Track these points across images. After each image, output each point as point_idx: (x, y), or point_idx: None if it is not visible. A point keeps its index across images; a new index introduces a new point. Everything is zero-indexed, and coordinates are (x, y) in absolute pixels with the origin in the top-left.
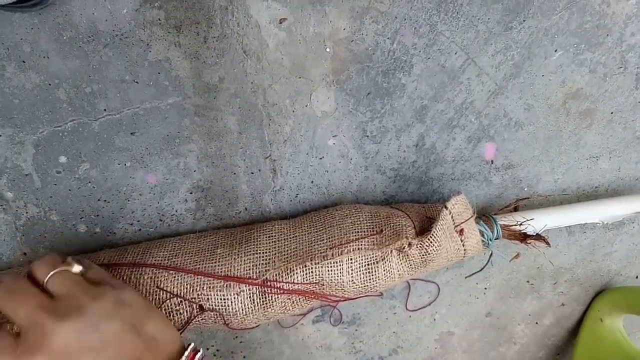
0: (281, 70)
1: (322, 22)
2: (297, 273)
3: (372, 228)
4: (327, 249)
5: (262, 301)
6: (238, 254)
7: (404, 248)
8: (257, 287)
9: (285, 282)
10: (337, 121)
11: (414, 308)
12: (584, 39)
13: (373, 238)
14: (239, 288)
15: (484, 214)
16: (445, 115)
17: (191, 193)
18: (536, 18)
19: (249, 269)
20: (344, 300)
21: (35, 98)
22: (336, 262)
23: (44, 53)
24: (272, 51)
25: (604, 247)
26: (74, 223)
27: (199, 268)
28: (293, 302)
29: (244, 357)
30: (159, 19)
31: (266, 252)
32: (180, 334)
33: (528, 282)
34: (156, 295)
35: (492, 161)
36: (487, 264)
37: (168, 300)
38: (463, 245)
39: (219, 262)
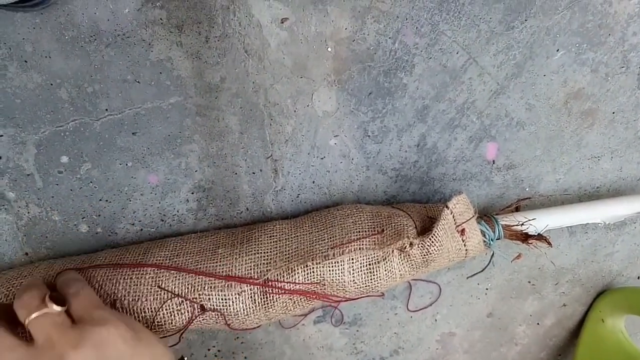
0: (283, 70)
1: (323, 21)
2: (298, 273)
3: (374, 228)
4: (328, 248)
5: (264, 301)
6: (239, 254)
7: (405, 248)
8: (259, 287)
9: (287, 282)
10: (339, 121)
11: (415, 308)
12: (586, 39)
13: (374, 238)
14: (241, 288)
15: (486, 214)
16: (446, 115)
17: (192, 193)
18: (538, 17)
19: (250, 269)
20: (345, 301)
21: (37, 98)
22: (337, 262)
23: (46, 53)
24: (274, 51)
25: (606, 247)
26: (76, 223)
27: (200, 268)
28: (294, 302)
29: (245, 357)
30: (161, 19)
31: (267, 252)
32: (182, 334)
33: (529, 282)
34: (157, 295)
35: (493, 161)
36: (488, 264)
37: (169, 300)
38: (464, 245)
39: (220, 262)
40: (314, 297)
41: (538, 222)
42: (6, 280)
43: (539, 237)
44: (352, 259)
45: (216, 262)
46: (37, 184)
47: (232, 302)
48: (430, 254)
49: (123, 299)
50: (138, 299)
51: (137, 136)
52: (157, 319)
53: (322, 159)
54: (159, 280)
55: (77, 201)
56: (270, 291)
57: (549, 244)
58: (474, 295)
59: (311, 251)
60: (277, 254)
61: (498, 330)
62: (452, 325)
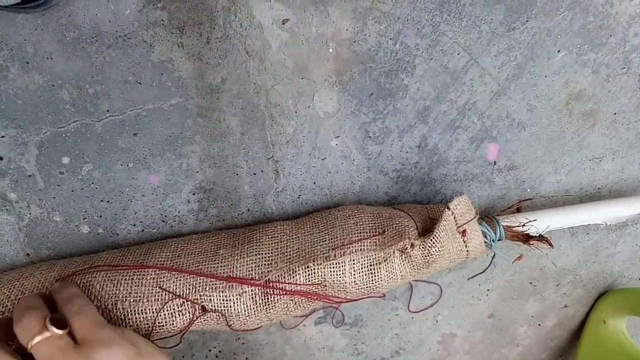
0: (284, 71)
1: (324, 22)
2: (299, 274)
3: (375, 229)
4: (329, 249)
5: (265, 302)
6: (240, 255)
7: (406, 249)
8: (260, 288)
9: (288, 283)
10: (340, 122)
11: (416, 309)
12: (587, 40)
13: (375, 239)
14: (242, 289)
15: (487, 215)
16: (447, 116)
17: (194, 194)
18: (539, 18)
19: (252, 270)
20: (346, 302)
21: (39, 99)
22: (338, 263)
23: (48, 54)
24: (275, 52)
25: (607, 248)
26: (77, 224)
27: (201, 269)
28: (295, 303)
29: (246, 358)
30: (162, 20)
31: (268, 253)
32: (183, 335)
33: (531, 283)
34: (159, 295)
35: (494, 162)
36: (489, 265)
37: (171, 301)
38: (466, 246)
39: (221, 262)
40: (315, 298)
41: (539, 223)
42: (7, 281)
43: (540, 238)
44: (353, 260)
45: (217, 263)
46: (39, 184)
47: (233, 303)
48: (432, 255)
49: (124, 299)
50: (139, 299)
51: (138, 137)
52: (158, 319)
53: (323, 159)
54: (160, 281)
55: (79, 202)
56: (272, 292)
57: (550, 245)
58: (475, 296)
59: (312, 252)
60: (278, 254)
61: (499, 331)
62: (453, 326)
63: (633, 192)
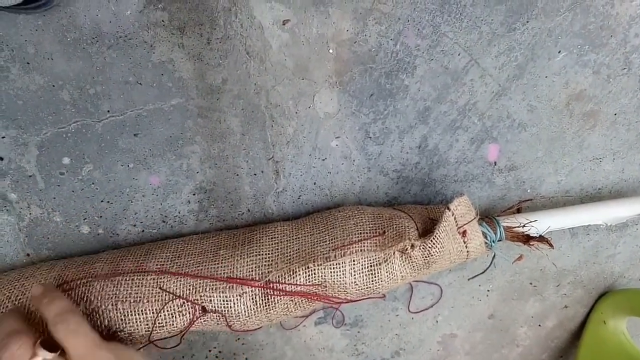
0: (284, 72)
1: (325, 23)
2: (299, 274)
3: (375, 229)
4: (329, 250)
5: (265, 303)
6: (241, 256)
7: (406, 249)
8: (260, 288)
9: (288, 284)
10: (340, 122)
11: (416, 310)
12: (588, 40)
13: (376, 239)
14: (242, 289)
15: (487, 216)
16: (448, 117)
17: (194, 194)
18: (540, 19)
19: (252, 271)
20: (346, 302)
21: (39, 99)
22: (339, 264)
23: (48, 54)
24: (275, 52)
25: (608, 249)
26: (77, 224)
27: (201, 269)
28: (295, 303)
29: (246, 358)
30: (163, 21)
31: (269, 254)
32: (183, 335)
33: (531, 284)
34: (159, 296)
35: (495, 163)
36: (490, 265)
37: (171, 302)
38: (466, 246)
39: (221, 263)
40: (315, 298)
41: (540, 223)
42: (8, 282)
43: (541, 238)
44: (354, 261)
45: (217, 264)
46: (39, 185)
47: (234, 303)
48: (432, 255)
49: (124, 300)
50: (140, 300)
51: (138, 137)
52: (158, 320)
53: (323, 160)
54: (160, 282)
55: (79, 202)
56: (272, 293)
57: (551, 245)
58: (476, 296)
59: (312, 253)
60: (278, 255)
61: (499, 332)
62: (453, 327)
63: (633, 192)
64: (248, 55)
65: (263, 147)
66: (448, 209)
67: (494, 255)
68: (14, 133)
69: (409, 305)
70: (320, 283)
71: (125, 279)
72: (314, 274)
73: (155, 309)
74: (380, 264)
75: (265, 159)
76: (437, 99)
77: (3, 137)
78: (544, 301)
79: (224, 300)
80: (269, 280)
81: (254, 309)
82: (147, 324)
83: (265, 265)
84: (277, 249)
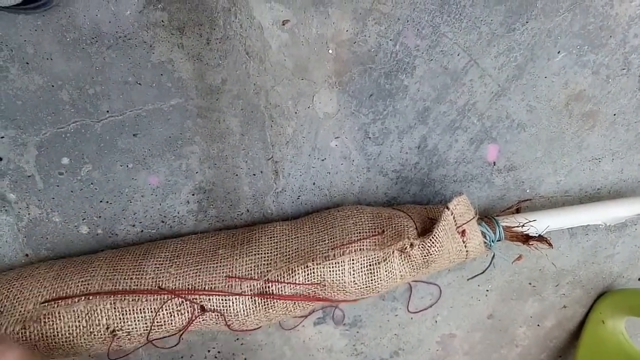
0: (284, 72)
1: (324, 23)
2: (298, 273)
3: (374, 229)
4: (328, 249)
5: (264, 302)
6: (240, 255)
7: (405, 248)
8: (259, 288)
9: (287, 283)
10: (340, 123)
11: (415, 310)
12: (587, 41)
13: (375, 239)
14: (241, 289)
15: (486, 216)
16: (447, 117)
17: (193, 195)
18: (539, 20)
19: (251, 269)
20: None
21: (39, 99)
22: (338, 263)
23: (48, 55)
24: (275, 53)
25: (606, 249)
26: (76, 224)
27: (200, 269)
28: (294, 303)
29: (245, 358)
30: (162, 21)
31: (268, 253)
32: (182, 335)
33: (530, 284)
34: (157, 295)
35: (494, 163)
36: (489, 265)
37: (169, 301)
38: (465, 246)
39: (220, 262)
40: (313, 300)
41: (539, 223)
42: (6, 281)
43: (540, 238)
44: (353, 260)
45: (216, 263)
46: (38, 185)
47: (232, 302)
48: (431, 254)
49: (123, 298)
50: (138, 299)
51: (138, 138)
52: (157, 319)
53: (322, 160)
54: (159, 281)
55: (78, 202)
56: (271, 294)
57: (550, 245)
58: (475, 296)
59: (311, 252)
60: (277, 254)
61: (498, 332)
62: (452, 327)
63: (632, 192)
64: (247, 55)
65: (262, 147)
66: (447, 208)
67: (493, 255)
68: (13, 133)
69: (408, 305)
70: (319, 282)
71: (124, 278)
72: (313, 272)
73: (154, 308)
74: (379, 263)
75: (265, 159)
76: (437, 99)
77: (2, 137)
78: (542, 301)
79: (223, 299)
80: (267, 279)
81: (252, 308)
82: (146, 323)
83: (264, 264)
84: (276, 248)
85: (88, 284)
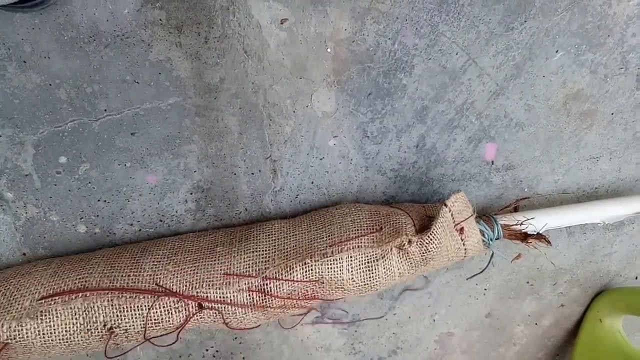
0: (282, 71)
1: (323, 22)
2: (296, 271)
3: (372, 226)
4: (326, 246)
5: (262, 299)
6: (237, 252)
7: (404, 245)
8: (257, 285)
9: (285, 280)
10: (338, 122)
11: (413, 309)
12: (585, 40)
13: (373, 236)
14: (239, 286)
15: (485, 214)
16: (446, 116)
17: (191, 194)
18: (537, 19)
19: (249, 267)
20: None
21: (36, 98)
22: (336, 260)
23: (45, 53)
24: (273, 51)
25: (604, 247)
26: (74, 223)
27: (198, 266)
28: (293, 301)
29: (244, 357)
30: (160, 19)
31: (266, 250)
32: (179, 332)
33: (528, 283)
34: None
35: (492, 162)
36: (488, 264)
37: (167, 298)
38: (463, 244)
39: (218, 260)
40: (312, 299)
41: (537, 222)
42: (3, 278)
43: (538, 236)
44: (351, 257)
45: (214, 260)
46: (35, 184)
47: (230, 300)
48: (429, 251)
49: (120, 296)
50: (135, 296)
51: (136, 137)
52: (154, 317)
53: (321, 159)
54: (156, 278)
55: (76, 201)
56: (269, 291)
57: (549, 242)
58: (473, 295)
59: (310, 249)
60: (275, 252)
61: (496, 331)
62: (450, 326)
63: (630, 191)
64: (246, 54)
65: (261, 146)
66: (445, 205)
67: (492, 254)
68: (10, 132)
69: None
70: (317, 279)
71: (122, 275)
72: (311, 270)
73: (151, 305)
74: (377, 260)
75: (263, 158)
76: (435, 98)
77: None
78: (540, 300)
79: (220, 297)
80: (266, 276)
81: (250, 306)
82: (144, 320)
83: (262, 261)
84: (274, 245)
85: (85, 281)
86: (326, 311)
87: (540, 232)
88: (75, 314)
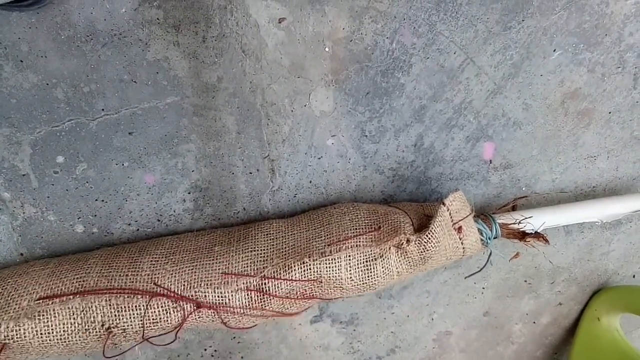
0: (280, 70)
1: (321, 21)
2: (295, 270)
3: (370, 225)
4: (325, 245)
5: (260, 299)
6: (236, 252)
7: (402, 244)
8: (255, 284)
9: (283, 279)
10: (336, 121)
11: (412, 308)
12: (583, 39)
13: (371, 235)
14: (237, 285)
15: (483, 213)
16: (444, 115)
17: (189, 193)
18: (535, 18)
19: (247, 266)
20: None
21: (33, 98)
22: (334, 259)
23: (42, 52)
24: (271, 51)
25: (602, 246)
26: (72, 223)
27: (196, 265)
28: (291, 300)
29: (242, 357)
30: (158, 19)
31: (264, 250)
32: (177, 332)
33: (526, 281)
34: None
35: (490, 161)
36: (486, 263)
37: (165, 298)
38: (462, 243)
39: (216, 259)
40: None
41: (535, 220)
42: (1, 278)
43: (536, 235)
44: (349, 256)
45: (212, 260)
46: (33, 184)
47: (229, 299)
48: (428, 250)
49: (118, 295)
50: (134, 295)
51: (133, 136)
52: (152, 316)
53: (319, 158)
54: (155, 277)
55: (73, 201)
56: (267, 290)
57: (547, 241)
58: (471, 294)
59: (308, 248)
60: (273, 251)
61: (494, 329)
62: (448, 324)
63: (627, 190)
64: (244, 53)
65: (259, 145)
66: (443, 204)
67: (490, 253)
68: (7, 132)
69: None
70: (316, 278)
71: (120, 275)
72: (310, 269)
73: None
74: (376, 259)
75: (261, 158)
76: (433, 98)
77: None
78: (538, 298)
79: (219, 296)
80: (264, 275)
81: (249, 305)
82: (142, 320)
83: (260, 261)
84: (273, 245)
85: (83, 281)
86: (325, 310)
87: (538, 230)
88: (73, 314)
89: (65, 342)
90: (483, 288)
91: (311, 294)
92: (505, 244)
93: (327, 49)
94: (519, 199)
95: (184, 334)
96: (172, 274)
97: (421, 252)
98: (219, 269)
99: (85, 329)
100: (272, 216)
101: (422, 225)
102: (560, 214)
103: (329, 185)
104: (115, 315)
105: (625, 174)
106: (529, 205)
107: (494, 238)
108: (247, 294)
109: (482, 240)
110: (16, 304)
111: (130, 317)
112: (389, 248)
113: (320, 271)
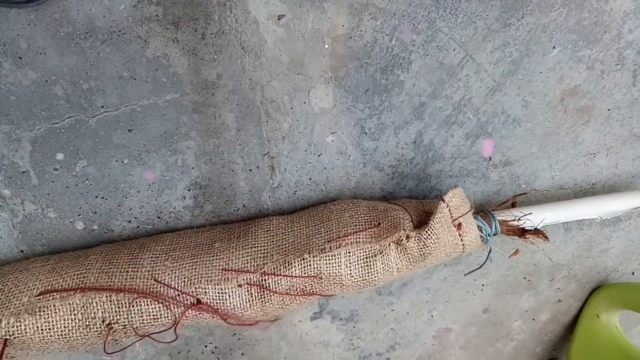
0: (279, 67)
1: (320, 18)
2: (295, 266)
3: (370, 221)
4: (325, 242)
5: (260, 296)
6: (236, 248)
7: (402, 241)
8: (255, 281)
9: (284, 275)
10: (336, 118)
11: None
12: (582, 36)
13: (371, 231)
14: (237, 282)
15: (482, 210)
16: (443, 112)
17: (189, 190)
18: (534, 15)
19: (247, 263)
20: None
21: (32, 95)
22: (334, 255)
23: (41, 49)
24: (271, 48)
25: (601, 243)
26: (72, 220)
27: (196, 261)
28: (291, 297)
29: (242, 354)
30: (157, 15)
31: (264, 246)
32: (176, 327)
33: (525, 278)
34: (154, 288)
35: (490, 158)
36: (486, 260)
37: (165, 294)
38: (461, 239)
39: (216, 256)
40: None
41: (534, 217)
42: (1, 274)
43: (536, 232)
44: (349, 252)
45: (213, 256)
46: (33, 181)
47: (229, 295)
48: (427, 247)
49: (119, 292)
50: (134, 291)
51: (133, 133)
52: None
53: (319, 155)
54: (155, 273)
55: (73, 198)
56: (268, 286)
57: (546, 237)
58: (470, 291)
59: (308, 244)
60: (273, 247)
61: (494, 326)
62: (448, 321)
63: (627, 187)
64: (243, 50)
65: (258, 142)
66: (442, 200)
67: (490, 250)
68: (7, 129)
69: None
70: (316, 275)
71: (120, 271)
72: (310, 265)
73: (150, 301)
74: (375, 255)
75: (261, 155)
76: (433, 95)
77: None
78: (538, 295)
79: (219, 292)
80: (264, 271)
81: (249, 301)
82: (142, 316)
83: (260, 257)
84: (273, 241)
85: (84, 278)
86: (325, 307)
87: (538, 227)
88: (74, 310)
89: (65, 337)
90: (482, 285)
91: (311, 290)
92: (505, 240)
93: (326, 46)
94: (519, 196)
95: (184, 330)
96: (172, 270)
97: (421, 248)
98: (219, 265)
99: (86, 325)
100: (272, 213)
101: (422, 221)
102: (559, 211)
103: (329, 182)
104: (116, 312)
105: (625, 171)
106: (529, 202)
107: (494, 235)
108: (247, 290)
109: (481, 237)
110: (17, 300)
111: (130, 314)
112: (389, 244)
113: (320, 267)
